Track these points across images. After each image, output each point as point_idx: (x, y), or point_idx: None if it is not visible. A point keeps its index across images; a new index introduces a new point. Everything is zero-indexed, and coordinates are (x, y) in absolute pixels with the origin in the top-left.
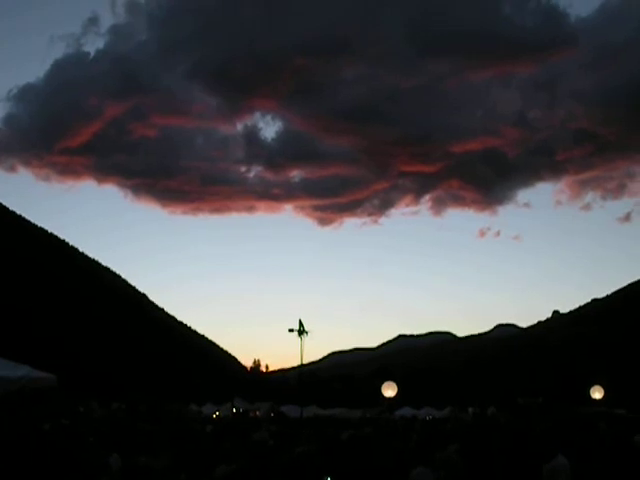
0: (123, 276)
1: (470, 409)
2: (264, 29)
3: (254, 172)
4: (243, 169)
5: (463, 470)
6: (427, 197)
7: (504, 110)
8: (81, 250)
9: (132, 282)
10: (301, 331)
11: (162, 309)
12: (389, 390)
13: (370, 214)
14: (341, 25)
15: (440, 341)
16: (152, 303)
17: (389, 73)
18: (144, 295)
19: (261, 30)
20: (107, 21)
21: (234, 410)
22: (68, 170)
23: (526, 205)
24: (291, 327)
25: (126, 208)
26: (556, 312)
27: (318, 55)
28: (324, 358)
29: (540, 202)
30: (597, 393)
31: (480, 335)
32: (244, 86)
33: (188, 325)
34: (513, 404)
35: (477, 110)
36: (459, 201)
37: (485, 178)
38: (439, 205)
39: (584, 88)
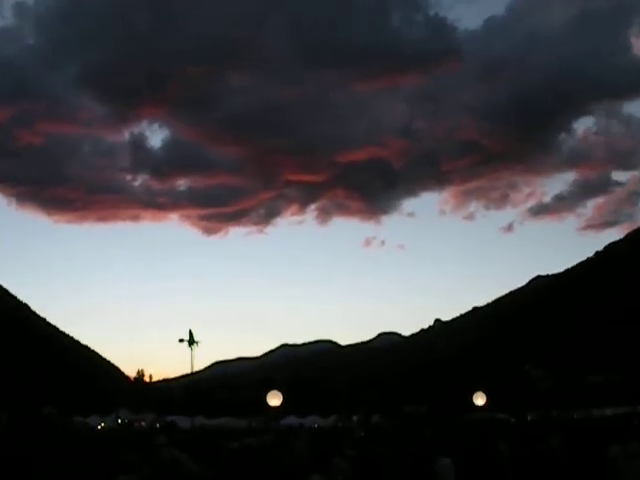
0: (5, 285)
1: (355, 417)
2: (153, 37)
3: (140, 181)
4: (129, 177)
5: (353, 477)
6: (313, 206)
7: (390, 121)
8: None
9: (13, 291)
10: (191, 341)
11: (44, 319)
12: (274, 399)
13: (256, 223)
14: (230, 35)
15: (323, 350)
16: (34, 313)
17: (277, 83)
18: (26, 305)
19: (150, 38)
20: None
21: (119, 421)
22: None
23: (410, 214)
24: (177, 337)
25: (10, 216)
26: (438, 320)
27: (207, 64)
28: (207, 367)
29: (424, 211)
30: (480, 399)
31: (363, 343)
32: (132, 94)
33: (70, 335)
34: (399, 412)
35: (363, 121)
36: (344, 210)
37: (370, 188)
38: (325, 214)
39: (470, 100)
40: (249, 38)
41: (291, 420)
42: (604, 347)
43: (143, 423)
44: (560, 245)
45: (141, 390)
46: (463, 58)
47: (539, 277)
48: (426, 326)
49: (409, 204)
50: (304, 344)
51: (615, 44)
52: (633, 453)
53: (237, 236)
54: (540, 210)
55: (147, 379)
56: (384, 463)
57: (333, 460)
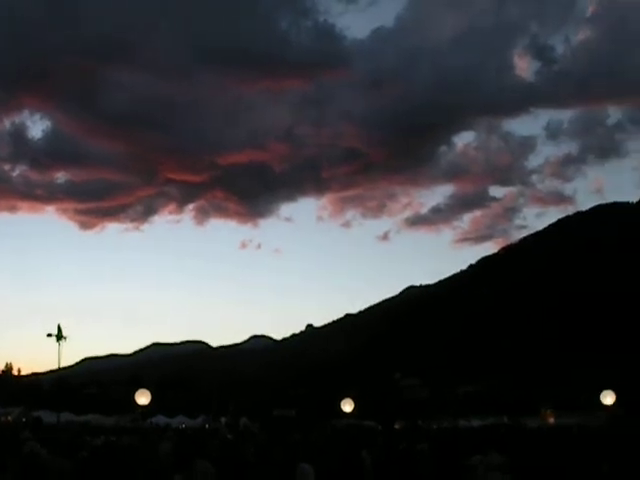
0: None
1: (223, 419)
2: (41, 28)
3: (18, 171)
4: (7, 167)
5: (215, 475)
6: (191, 206)
7: (273, 125)
8: None
9: None
10: (59, 336)
11: None
12: (142, 398)
13: (133, 220)
14: (121, 30)
15: (194, 350)
16: None
17: (164, 81)
18: None
19: (38, 28)
20: None
21: None
22: None
23: (288, 219)
24: (47, 331)
25: None
26: (309, 326)
27: (94, 58)
28: (78, 363)
29: (302, 217)
30: (348, 406)
31: (235, 346)
32: (14, 82)
33: None
34: (267, 415)
35: (247, 123)
36: (222, 212)
37: (249, 191)
38: (202, 215)
39: (354, 109)
40: (138, 37)
41: (159, 419)
42: (474, 358)
43: (9, 417)
44: (435, 257)
45: (8, 384)
46: (349, 66)
47: (412, 287)
48: (298, 331)
49: (287, 209)
50: (176, 343)
51: (499, 62)
52: (492, 464)
53: (113, 232)
54: (417, 221)
55: (15, 372)
56: (249, 466)
57: (196, 461)
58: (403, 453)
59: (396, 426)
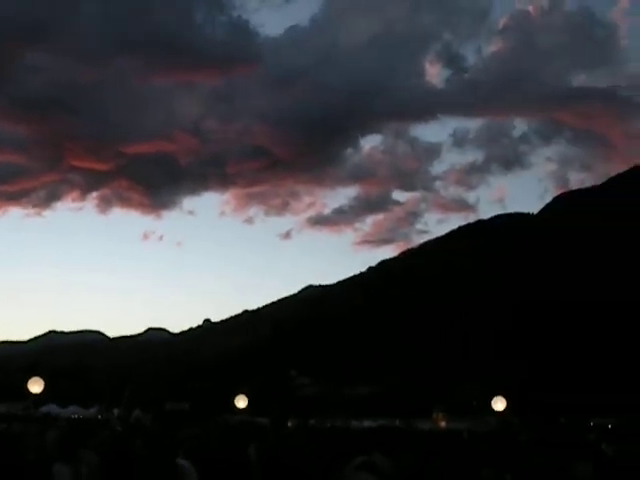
0: None
1: (116, 410)
2: None
3: None
4: None
5: (102, 470)
6: (94, 194)
7: (182, 117)
8: None
9: None
10: None
11: None
12: (35, 386)
13: (35, 205)
14: (35, 12)
15: (91, 340)
16: None
17: (78, 67)
18: None
19: None
20: None
21: None
22: None
23: (191, 212)
24: None
25: None
26: (207, 320)
27: (10, 40)
28: None
29: (205, 211)
30: (241, 402)
31: (132, 337)
32: None
33: None
34: (160, 408)
35: (156, 114)
36: (126, 202)
37: (154, 182)
38: (105, 203)
39: (263, 106)
40: (54, 21)
41: (51, 408)
42: (370, 360)
43: None
44: (335, 257)
45: None
46: (261, 63)
47: (311, 287)
48: (195, 325)
49: (191, 202)
50: (72, 332)
51: (411, 68)
52: (361, 465)
53: (16, 217)
54: (319, 221)
55: None
56: (135, 459)
57: (80, 452)
58: (290, 451)
59: (289, 424)
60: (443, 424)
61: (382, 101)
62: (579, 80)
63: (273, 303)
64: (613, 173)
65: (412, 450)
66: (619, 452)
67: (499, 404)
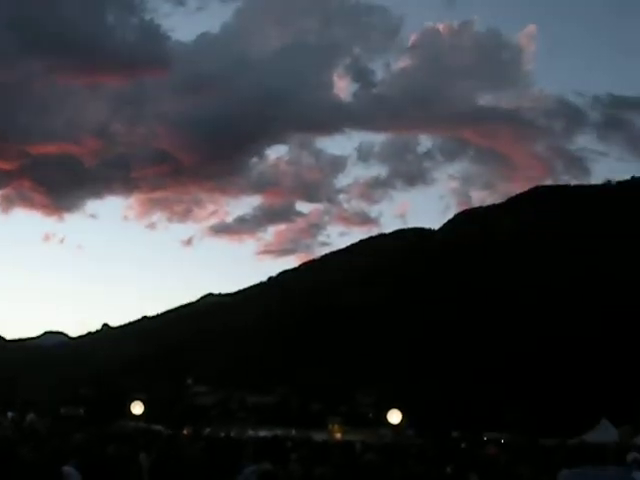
0: None
1: (10, 414)
2: None
3: None
4: None
5: None
6: None
7: (88, 119)
8: None
9: None
10: None
11: None
12: None
13: None
14: None
15: None
16: None
17: None
18: None
19: None
20: None
21: None
22: None
23: (93, 216)
24: None
25: None
26: (105, 325)
27: None
28: None
29: (108, 215)
30: (138, 408)
31: (28, 339)
32: None
33: None
34: (55, 413)
35: (62, 115)
36: (28, 202)
37: (57, 183)
38: (7, 203)
39: (170, 111)
40: None
41: None
42: (267, 370)
43: None
44: (236, 266)
45: None
46: (170, 68)
47: (211, 295)
48: (94, 329)
49: (93, 205)
50: None
51: (319, 80)
52: (255, 472)
53: None
54: (221, 229)
55: None
56: (21, 464)
57: None
58: (180, 459)
59: (184, 432)
60: (338, 435)
61: (289, 112)
62: (485, 100)
63: (173, 310)
64: (514, 192)
65: (299, 459)
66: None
67: (394, 417)
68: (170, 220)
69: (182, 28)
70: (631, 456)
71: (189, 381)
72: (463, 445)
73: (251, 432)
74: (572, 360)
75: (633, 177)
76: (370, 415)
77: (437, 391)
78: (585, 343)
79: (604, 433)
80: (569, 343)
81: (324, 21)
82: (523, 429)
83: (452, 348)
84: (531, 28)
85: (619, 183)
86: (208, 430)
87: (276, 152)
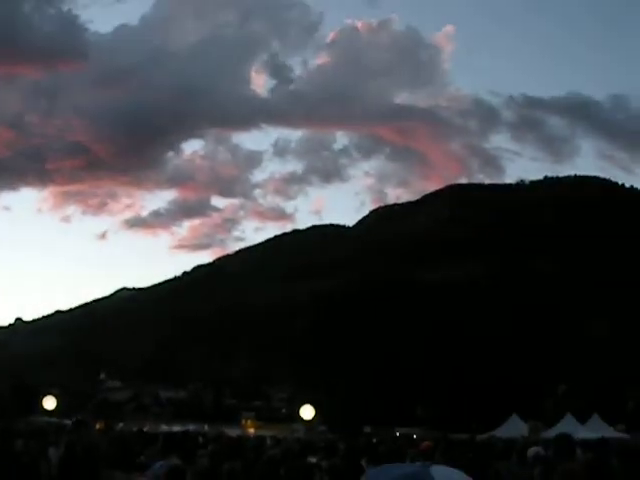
0: None
1: None
2: None
3: None
4: None
5: None
6: None
7: (2, 110)
8: None
9: None
10: None
11: None
12: None
13: None
14: None
15: None
16: None
17: None
18: None
19: None
20: None
21: None
22: None
23: (6, 208)
24: None
25: None
26: (19, 319)
27: None
28: None
29: (21, 207)
30: (50, 403)
31: None
32: None
33: None
34: None
35: None
36: None
37: None
38: None
39: (87, 103)
40: None
41: None
42: (178, 365)
43: None
44: (151, 261)
45: None
46: (87, 60)
47: (124, 289)
48: (7, 324)
49: (7, 197)
50: None
51: (237, 75)
52: (163, 466)
53: None
54: (136, 223)
55: None
56: None
57: None
58: (88, 454)
59: (97, 426)
60: (252, 430)
61: (206, 106)
62: (401, 98)
63: (86, 304)
64: (429, 190)
65: (208, 454)
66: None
67: (307, 412)
68: (85, 213)
69: (100, 19)
70: (531, 451)
71: (102, 376)
72: (374, 440)
73: (164, 427)
74: (485, 357)
75: (546, 177)
76: (283, 411)
77: (349, 387)
78: (498, 341)
79: (513, 428)
80: (482, 340)
81: (243, 15)
82: (434, 425)
83: (365, 345)
84: (449, 28)
85: (532, 182)
86: (121, 425)
87: (192, 146)
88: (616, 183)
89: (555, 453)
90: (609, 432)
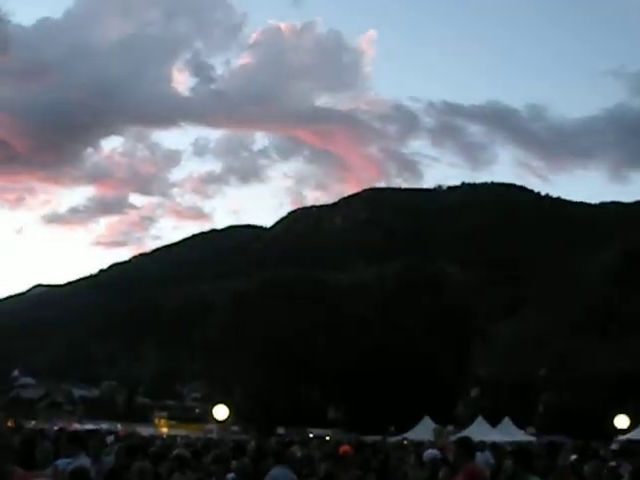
0: None
1: None
2: None
3: None
4: None
5: None
6: None
7: None
8: None
9: None
10: None
11: None
12: None
13: None
14: None
15: None
16: None
17: None
18: None
19: None
20: None
21: None
22: None
23: None
24: None
25: None
26: None
27: None
28: None
29: None
30: None
31: None
32: None
33: None
34: None
35: None
36: None
37: None
38: None
39: (6, 96)
40: None
41: None
42: (93, 363)
43: None
44: (67, 257)
45: None
46: (8, 52)
47: (40, 286)
48: None
49: None
50: None
51: (158, 73)
52: (70, 464)
53: None
54: (53, 219)
55: None
56: None
57: None
58: None
59: (9, 424)
60: (165, 430)
61: (126, 103)
62: (322, 101)
63: (1, 300)
64: (347, 193)
65: (117, 453)
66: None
67: (220, 412)
68: (1, 208)
69: (23, 12)
70: (427, 454)
71: (15, 373)
72: (288, 440)
73: (77, 425)
74: (397, 360)
75: (463, 183)
76: (197, 410)
77: (263, 388)
78: (411, 344)
79: (424, 431)
80: (396, 343)
81: (167, 14)
82: (347, 427)
83: (278, 346)
84: (372, 33)
85: (450, 188)
86: (33, 423)
87: (111, 143)
88: (532, 191)
89: (455, 455)
90: (519, 435)
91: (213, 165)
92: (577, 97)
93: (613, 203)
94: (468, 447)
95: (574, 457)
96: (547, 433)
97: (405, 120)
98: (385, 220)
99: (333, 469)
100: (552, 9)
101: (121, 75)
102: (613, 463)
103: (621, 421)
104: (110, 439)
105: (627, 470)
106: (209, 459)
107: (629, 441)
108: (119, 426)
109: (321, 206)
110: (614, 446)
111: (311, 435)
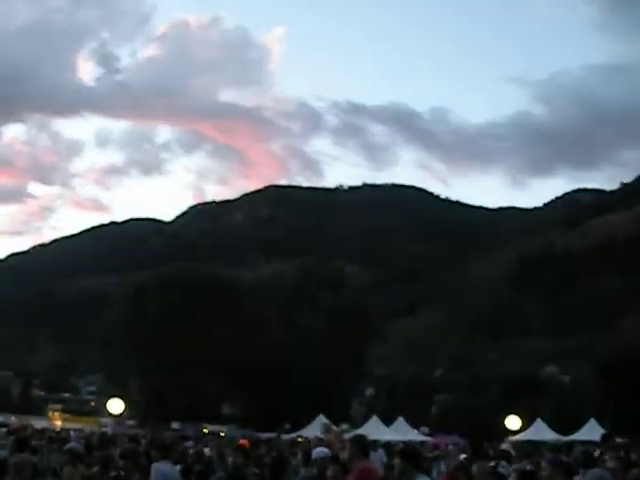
0: None
1: None
2: None
3: None
4: None
5: None
6: None
7: None
8: None
9: None
10: None
11: None
12: None
13: None
14: None
15: None
16: None
17: None
18: None
19: None
20: None
21: None
22: None
23: None
24: None
25: None
26: None
27: None
28: None
29: None
30: None
31: None
32: None
33: None
34: None
35: None
36: None
37: None
38: None
39: None
40: None
41: None
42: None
43: None
44: None
45: None
46: None
47: None
48: None
49: None
50: None
51: (63, 62)
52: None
53: None
54: None
55: None
56: None
57: None
58: None
59: None
60: (59, 423)
61: (29, 91)
62: (226, 96)
63: None
64: (248, 189)
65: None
66: None
67: (115, 406)
68: None
69: None
70: (316, 452)
71: None
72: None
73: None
74: (294, 358)
75: (365, 183)
76: (93, 404)
77: (158, 382)
78: (308, 343)
79: (317, 429)
80: (293, 342)
81: (74, 2)
82: (243, 424)
83: (175, 340)
84: (279, 30)
85: (351, 188)
86: None
87: (12, 131)
88: (432, 193)
89: (350, 453)
90: (412, 434)
91: (115, 157)
92: (480, 102)
93: (511, 208)
94: (362, 445)
95: (464, 457)
96: (441, 433)
97: (309, 118)
98: (286, 218)
99: (242, 463)
100: (458, 15)
101: (24, 62)
102: (493, 463)
103: (512, 422)
104: (3, 431)
105: (507, 470)
106: (117, 453)
107: (519, 442)
108: (13, 418)
109: (222, 202)
110: (504, 446)
111: (205, 430)
